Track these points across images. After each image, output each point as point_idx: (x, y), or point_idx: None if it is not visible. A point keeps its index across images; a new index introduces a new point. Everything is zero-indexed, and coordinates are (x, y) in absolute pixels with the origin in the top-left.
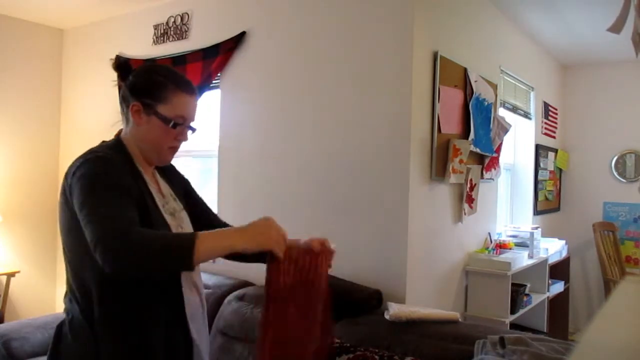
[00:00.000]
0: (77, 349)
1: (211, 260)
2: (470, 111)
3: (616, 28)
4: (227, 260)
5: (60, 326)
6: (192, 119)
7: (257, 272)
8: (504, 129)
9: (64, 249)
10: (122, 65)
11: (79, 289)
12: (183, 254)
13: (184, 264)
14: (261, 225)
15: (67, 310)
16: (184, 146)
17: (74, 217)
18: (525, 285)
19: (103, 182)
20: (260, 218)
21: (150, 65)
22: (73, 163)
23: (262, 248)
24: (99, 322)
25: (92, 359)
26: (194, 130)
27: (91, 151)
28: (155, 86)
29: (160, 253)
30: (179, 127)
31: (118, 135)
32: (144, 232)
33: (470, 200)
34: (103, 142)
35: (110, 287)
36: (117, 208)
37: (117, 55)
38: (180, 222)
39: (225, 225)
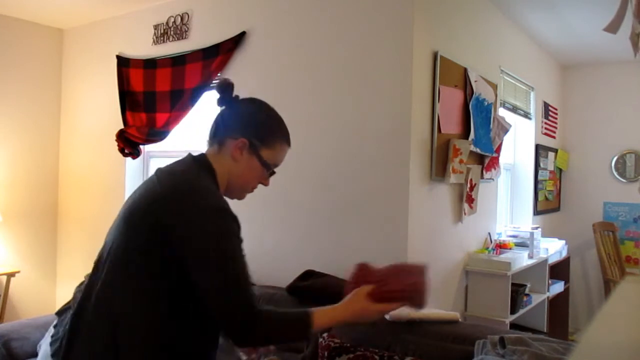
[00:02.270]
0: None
1: None
2: (470, 111)
3: (612, 28)
4: None
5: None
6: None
7: (259, 272)
8: (504, 129)
9: (120, 258)
10: (228, 87)
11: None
12: (303, 334)
13: (303, 339)
14: (356, 302)
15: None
16: (184, 146)
17: (157, 244)
18: (525, 285)
19: (234, 237)
20: (350, 296)
21: (265, 105)
22: (170, 179)
23: (364, 320)
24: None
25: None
26: (273, 174)
27: (210, 192)
28: (268, 130)
29: (285, 334)
30: (271, 175)
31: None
32: (269, 313)
33: (470, 200)
34: (190, 155)
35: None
36: (247, 276)
37: (223, 78)
38: None
39: None
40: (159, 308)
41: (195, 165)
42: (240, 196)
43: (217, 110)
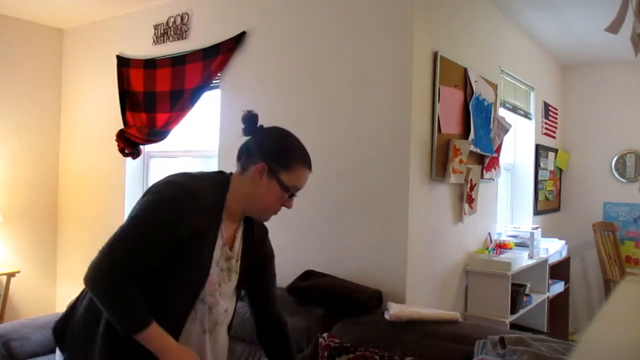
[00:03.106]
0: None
1: None
2: (470, 111)
3: (613, 28)
4: None
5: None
6: (300, 189)
7: None
8: (504, 129)
9: None
10: (252, 120)
11: None
12: (130, 329)
13: (124, 331)
14: (180, 354)
15: None
16: (184, 146)
17: None
18: (526, 286)
19: (158, 216)
20: (186, 349)
21: (285, 133)
22: (167, 175)
23: None
24: None
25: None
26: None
27: (189, 175)
28: (286, 155)
29: (116, 313)
30: (291, 197)
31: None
32: (123, 287)
33: (471, 200)
34: (220, 173)
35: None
36: (137, 252)
37: (247, 110)
38: (223, 280)
39: (278, 318)
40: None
41: (210, 174)
42: (262, 217)
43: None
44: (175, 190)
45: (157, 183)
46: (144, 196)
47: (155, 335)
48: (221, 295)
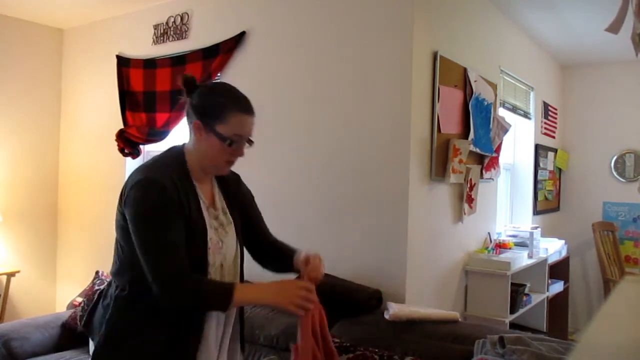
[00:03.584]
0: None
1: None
2: (470, 111)
3: (614, 28)
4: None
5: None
6: (249, 135)
7: (258, 272)
8: (504, 128)
9: (116, 239)
10: (189, 82)
11: (122, 268)
12: (223, 303)
13: (222, 309)
14: (279, 288)
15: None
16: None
17: (126, 222)
18: (525, 285)
19: (158, 212)
20: (282, 280)
21: (213, 85)
22: (131, 175)
23: (279, 307)
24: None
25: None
26: (251, 143)
27: (148, 168)
28: (215, 107)
29: (205, 301)
30: (235, 144)
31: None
32: (194, 279)
33: (470, 200)
34: (171, 148)
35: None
36: (170, 244)
37: (185, 74)
38: (221, 237)
39: (275, 242)
40: (133, 276)
41: (163, 153)
42: (219, 170)
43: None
44: (147, 192)
45: (129, 191)
46: (125, 207)
47: (243, 294)
48: (227, 247)
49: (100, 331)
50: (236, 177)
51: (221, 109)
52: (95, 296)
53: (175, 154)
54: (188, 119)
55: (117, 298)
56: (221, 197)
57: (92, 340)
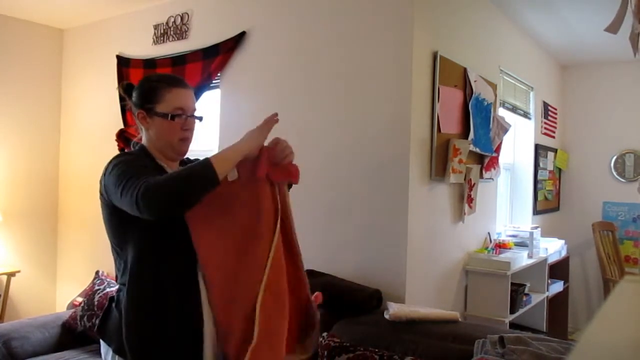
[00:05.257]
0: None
1: (228, 177)
2: (470, 111)
3: (613, 28)
4: None
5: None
6: (191, 109)
7: None
8: (504, 128)
9: (111, 244)
10: (128, 87)
11: (123, 269)
12: (206, 173)
13: (211, 182)
14: (247, 136)
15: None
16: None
17: (112, 212)
18: (525, 285)
19: (129, 164)
20: (246, 137)
21: (144, 77)
22: (105, 167)
23: (259, 143)
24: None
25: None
26: (200, 118)
27: (118, 154)
28: (150, 91)
29: (188, 180)
30: (179, 118)
31: (118, 133)
32: (167, 175)
33: (470, 200)
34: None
35: (144, 263)
36: (141, 174)
37: (121, 83)
38: None
39: None
40: (126, 256)
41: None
42: (175, 151)
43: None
44: (120, 159)
45: (103, 174)
46: (104, 188)
47: (218, 157)
48: None
49: (117, 336)
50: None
51: (154, 90)
52: (99, 300)
53: (139, 148)
54: (134, 116)
55: (128, 298)
56: None
57: (110, 345)
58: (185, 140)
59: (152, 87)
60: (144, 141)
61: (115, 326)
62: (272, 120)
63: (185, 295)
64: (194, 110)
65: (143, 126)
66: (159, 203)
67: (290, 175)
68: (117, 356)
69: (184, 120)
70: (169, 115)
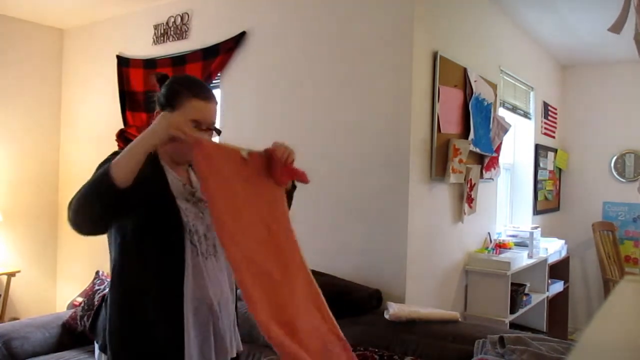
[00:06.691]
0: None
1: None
2: (470, 111)
3: (616, 28)
4: None
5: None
6: (209, 123)
7: None
8: (504, 128)
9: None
10: (160, 79)
11: (111, 268)
12: (103, 178)
13: (108, 186)
14: (151, 126)
15: None
16: None
17: None
18: (525, 285)
19: (100, 167)
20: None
21: (174, 77)
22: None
23: (162, 137)
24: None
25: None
26: (218, 132)
27: (111, 154)
28: (173, 95)
29: (86, 195)
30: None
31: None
32: (77, 192)
33: (470, 200)
34: None
35: (125, 264)
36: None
37: (156, 72)
38: (202, 210)
39: None
40: (119, 260)
41: None
42: (182, 157)
43: None
44: (109, 158)
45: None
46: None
47: (118, 158)
48: (209, 219)
49: (103, 334)
50: None
51: (176, 95)
52: (98, 300)
53: None
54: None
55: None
56: (197, 180)
57: (97, 342)
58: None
59: (176, 91)
60: None
61: (102, 324)
62: (182, 128)
63: (167, 298)
64: (212, 123)
65: None
66: (75, 226)
67: (298, 175)
68: (103, 355)
69: (198, 133)
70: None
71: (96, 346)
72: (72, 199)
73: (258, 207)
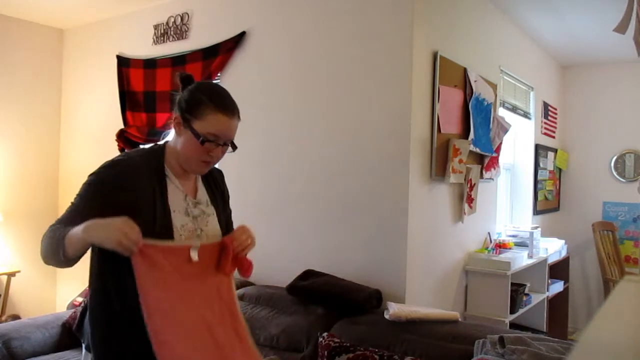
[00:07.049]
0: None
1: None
2: (470, 111)
3: (621, 28)
4: None
5: None
6: (228, 137)
7: (260, 272)
8: (504, 128)
9: None
10: (186, 78)
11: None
12: (57, 246)
13: (60, 257)
14: (104, 224)
15: None
16: None
17: None
18: (525, 285)
19: (87, 193)
20: (116, 219)
21: (202, 83)
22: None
23: (103, 244)
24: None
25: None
26: (234, 148)
27: (121, 154)
28: (195, 104)
29: (47, 244)
30: (208, 143)
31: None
32: (52, 228)
33: (470, 200)
34: (155, 145)
35: (100, 278)
36: (66, 219)
37: (180, 72)
38: (200, 225)
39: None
40: (96, 267)
41: (150, 146)
42: (192, 169)
43: None
44: (107, 169)
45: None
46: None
47: (69, 237)
48: (207, 237)
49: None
50: (221, 175)
51: (199, 105)
52: (85, 301)
53: (155, 147)
54: (172, 113)
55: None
56: (205, 191)
57: (83, 342)
58: (207, 164)
59: (199, 100)
60: (170, 144)
61: (87, 325)
62: (130, 247)
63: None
64: (231, 138)
65: (174, 129)
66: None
67: (242, 268)
68: (88, 354)
69: (214, 147)
70: (201, 138)
71: (83, 346)
72: (42, 240)
73: (197, 304)
